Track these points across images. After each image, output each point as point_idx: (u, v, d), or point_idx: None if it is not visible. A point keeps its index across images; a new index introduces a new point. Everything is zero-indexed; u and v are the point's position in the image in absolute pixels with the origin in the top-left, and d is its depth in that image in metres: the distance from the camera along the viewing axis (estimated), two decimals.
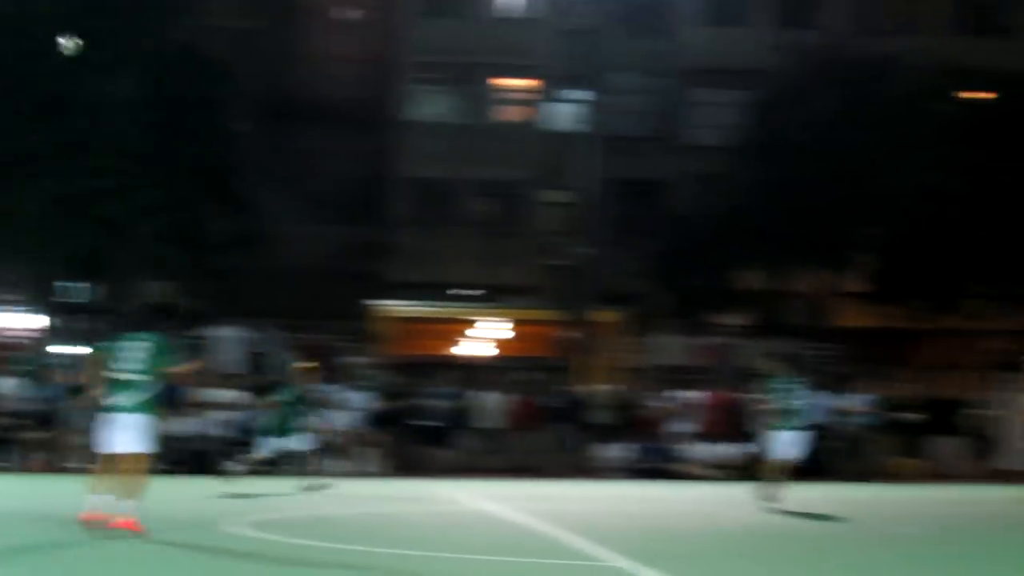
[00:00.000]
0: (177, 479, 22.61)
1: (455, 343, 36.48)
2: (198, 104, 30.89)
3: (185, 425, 24.39)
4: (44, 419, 24.63)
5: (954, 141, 31.43)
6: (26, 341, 32.81)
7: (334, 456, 24.29)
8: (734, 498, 19.69)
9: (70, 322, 34.55)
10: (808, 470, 24.34)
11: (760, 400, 19.04)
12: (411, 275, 37.46)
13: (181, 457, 24.03)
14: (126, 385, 12.97)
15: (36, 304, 36.17)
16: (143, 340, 13.15)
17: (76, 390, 25.66)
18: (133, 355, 13.04)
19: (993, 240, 31.83)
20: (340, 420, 24.85)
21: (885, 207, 31.87)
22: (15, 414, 24.90)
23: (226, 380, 26.19)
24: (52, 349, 32.23)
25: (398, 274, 37.95)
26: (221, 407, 24.82)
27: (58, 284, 33.85)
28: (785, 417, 18.19)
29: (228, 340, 29.00)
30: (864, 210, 32.02)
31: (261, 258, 33.57)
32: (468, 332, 36.94)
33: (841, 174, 31.41)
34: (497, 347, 36.72)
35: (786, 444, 18.18)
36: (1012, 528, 15.98)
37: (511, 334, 37.09)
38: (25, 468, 24.28)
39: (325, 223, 41.90)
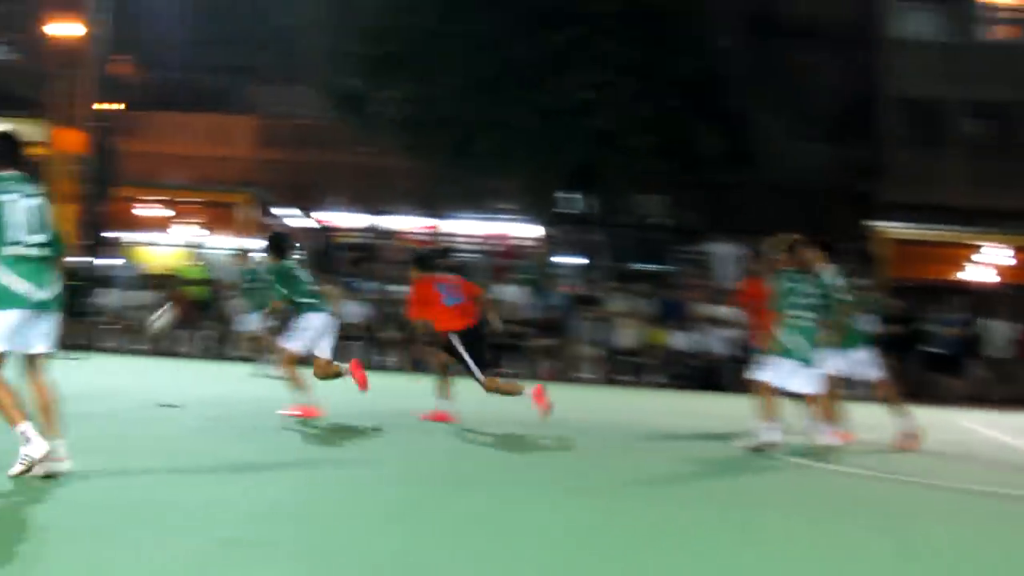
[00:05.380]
0: (682, 394, 22.67)
1: (959, 268, 34.71)
2: (682, 17, 30.67)
3: (689, 341, 24.31)
4: (548, 328, 25.16)
5: None
6: (528, 250, 33.58)
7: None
8: None
9: (568, 232, 35.21)
10: None
11: None
12: (905, 196, 36.11)
13: (685, 372, 24.06)
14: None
15: (534, 214, 37.14)
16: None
17: (581, 300, 26.19)
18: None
19: None
20: None
21: None
22: (522, 322, 25.26)
23: (723, 296, 25.94)
24: (554, 259, 32.89)
25: (891, 195, 36.63)
26: (720, 323, 24.57)
27: (556, 195, 34.44)
28: None
29: (723, 256, 28.68)
30: None
31: (752, 174, 33.06)
32: (972, 257, 35.07)
33: None
34: (999, 274, 34.66)
35: None
36: None
37: (1013, 261, 34.95)
38: (538, 376, 24.88)
39: (815, 141, 40.98)
